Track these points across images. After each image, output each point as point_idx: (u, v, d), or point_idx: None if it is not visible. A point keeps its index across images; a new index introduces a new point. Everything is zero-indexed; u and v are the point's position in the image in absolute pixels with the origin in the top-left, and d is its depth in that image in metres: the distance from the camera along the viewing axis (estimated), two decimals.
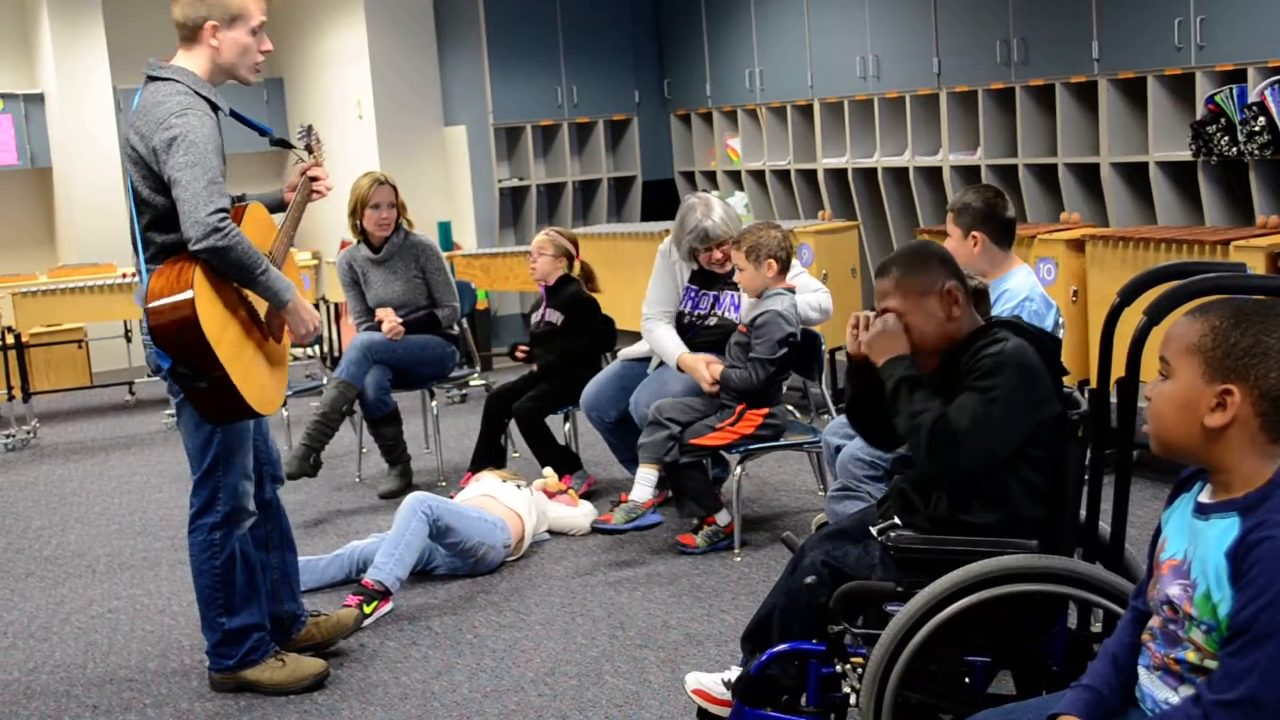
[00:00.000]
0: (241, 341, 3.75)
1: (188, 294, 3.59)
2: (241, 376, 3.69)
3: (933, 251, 3.18)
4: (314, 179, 4.09)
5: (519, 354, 6.16)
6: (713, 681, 3.45)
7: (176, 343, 3.63)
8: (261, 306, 3.87)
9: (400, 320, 6.12)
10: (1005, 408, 2.89)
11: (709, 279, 5.40)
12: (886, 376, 3.04)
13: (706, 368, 5.12)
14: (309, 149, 4.27)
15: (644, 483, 5.06)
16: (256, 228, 3.85)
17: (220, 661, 4.02)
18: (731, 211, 5.36)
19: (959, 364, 3.02)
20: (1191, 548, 2.12)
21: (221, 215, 3.59)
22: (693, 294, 5.42)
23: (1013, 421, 2.90)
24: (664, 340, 5.35)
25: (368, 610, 4.54)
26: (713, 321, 5.37)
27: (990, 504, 2.97)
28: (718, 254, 5.27)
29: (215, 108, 3.79)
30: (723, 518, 5.10)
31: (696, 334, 5.38)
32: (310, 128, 4.41)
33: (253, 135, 4.22)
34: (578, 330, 6.00)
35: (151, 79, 3.78)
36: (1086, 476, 2.99)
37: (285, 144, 4.31)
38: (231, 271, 3.66)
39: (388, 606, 4.66)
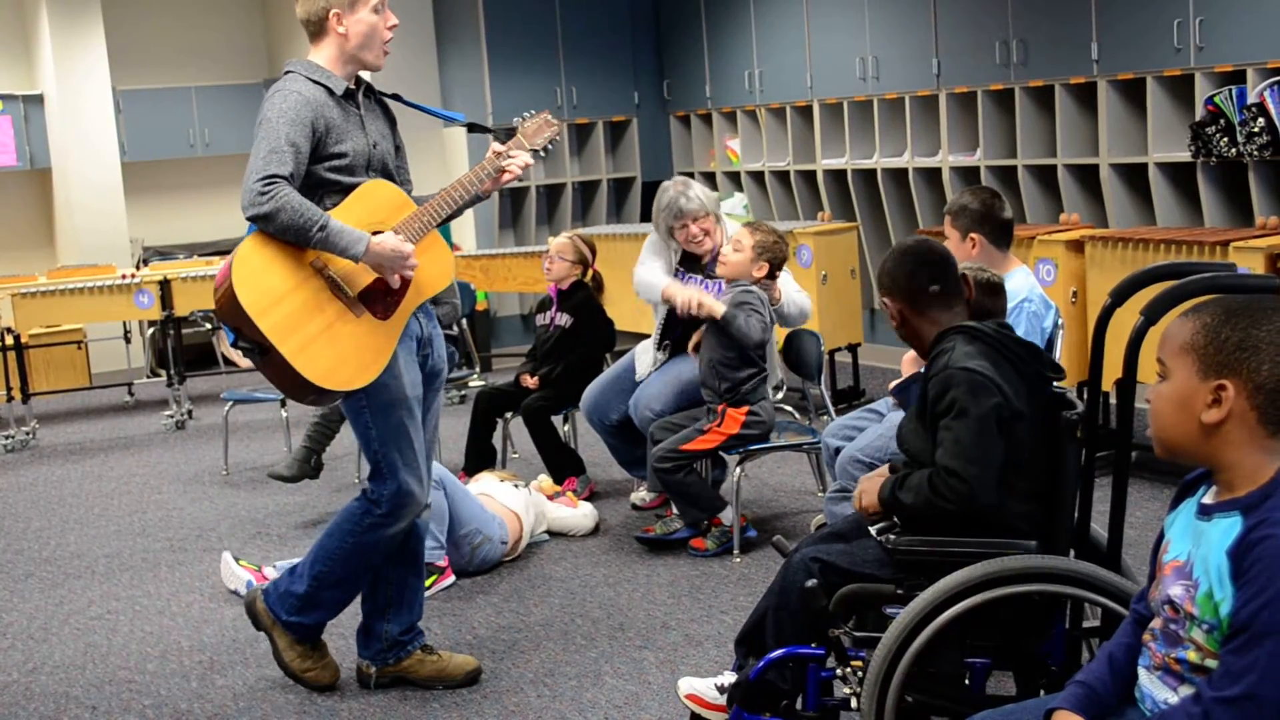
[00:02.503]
0: (303, 314, 3.62)
1: (228, 266, 3.59)
2: (295, 350, 3.58)
3: (890, 258, 3.33)
4: (502, 158, 3.91)
5: (532, 385, 6.07)
6: (706, 686, 3.45)
7: (226, 314, 3.62)
8: (355, 280, 3.70)
9: None
10: (970, 419, 2.96)
11: (697, 264, 5.41)
12: (885, 504, 3.14)
13: (685, 293, 5.08)
14: (520, 128, 4.04)
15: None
16: (369, 205, 3.74)
17: (273, 601, 3.95)
18: (709, 193, 5.36)
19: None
20: (1194, 548, 2.12)
21: (267, 181, 3.53)
22: (682, 276, 5.44)
23: (983, 429, 2.96)
24: (650, 275, 5.36)
25: (426, 584, 4.60)
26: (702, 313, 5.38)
27: None
28: (694, 229, 5.28)
29: (332, 92, 3.72)
30: (727, 516, 5.10)
31: (687, 325, 5.37)
32: (543, 113, 4.10)
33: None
34: (585, 336, 6.00)
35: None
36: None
37: (482, 129, 4.23)
38: (287, 234, 3.57)
39: (449, 580, 4.88)
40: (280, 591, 3.96)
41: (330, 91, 3.73)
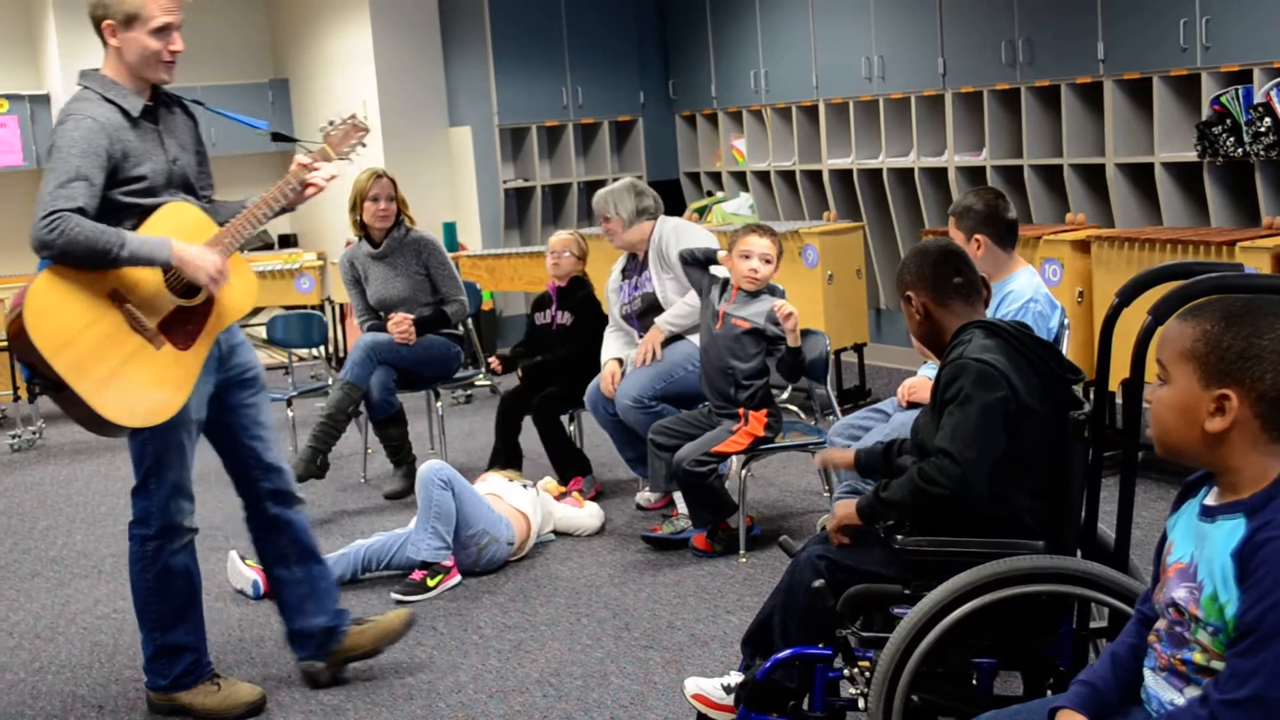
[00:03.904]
0: (101, 350, 3.52)
1: (19, 307, 3.48)
2: (93, 389, 3.49)
3: (912, 255, 3.35)
4: (308, 170, 3.79)
5: (495, 367, 6.22)
6: (712, 686, 3.45)
7: (19, 352, 3.51)
8: (155, 310, 3.61)
9: (411, 321, 6.10)
10: (974, 406, 2.97)
11: (631, 270, 5.77)
12: (867, 519, 3.13)
13: (612, 379, 5.56)
14: (326, 137, 3.96)
15: (682, 503, 5.24)
16: (169, 229, 3.61)
17: (155, 680, 3.92)
18: (624, 194, 5.71)
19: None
20: (1198, 550, 2.12)
21: (51, 218, 3.41)
22: (624, 288, 5.78)
23: (985, 418, 2.96)
24: (606, 344, 5.82)
25: (431, 584, 4.79)
26: (639, 304, 5.67)
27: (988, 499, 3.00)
28: (603, 229, 5.77)
29: (128, 112, 3.60)
30: (734, 519, 5.10)
31: (638, 323, 5.67)
32: (349, 118, 4.02)
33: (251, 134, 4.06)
34: (588, 332, 5.99)
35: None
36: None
37: (285, 138, 4.18)
38: (86, 263, 3.47)
39: (455, 579, 4.89)
40: (146, 666, 3.93)
41: (126, 112, 3.61)
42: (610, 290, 5.83)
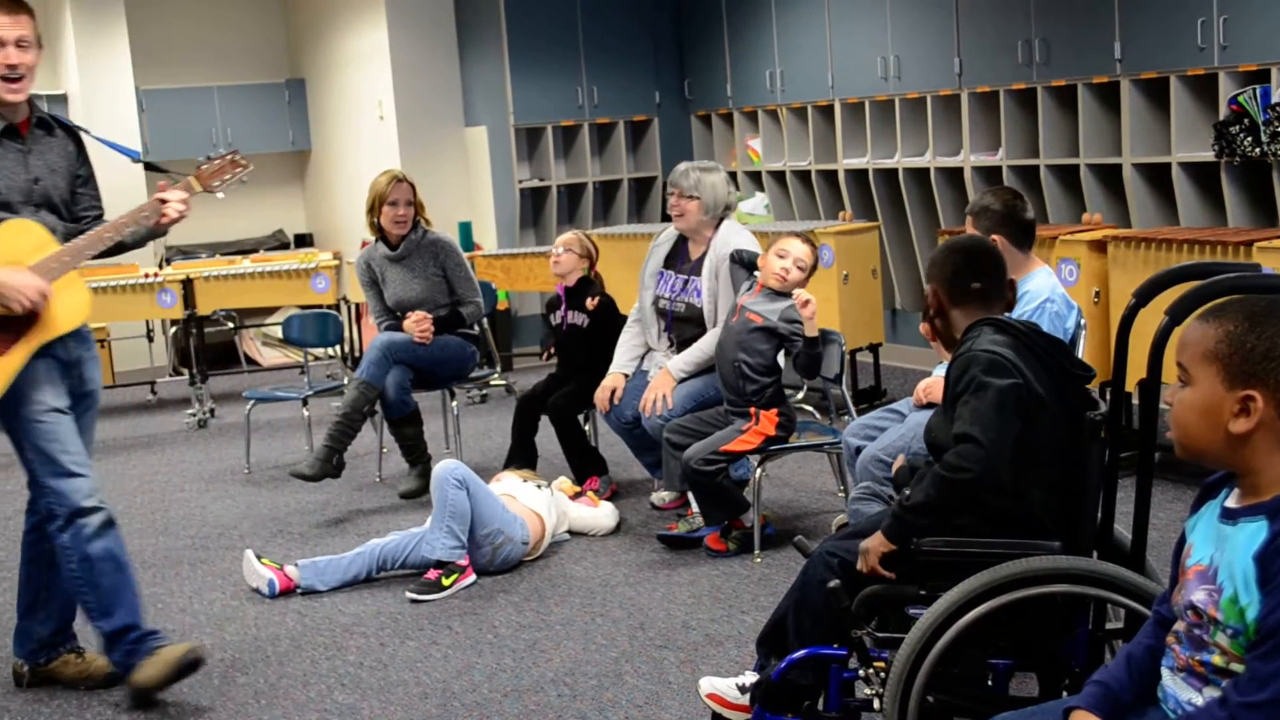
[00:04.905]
0: None
1: None
2: None
3: (942, 248, 3.39)
4: (163, 201, 3.98)
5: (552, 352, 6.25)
6: (727, 686, 3.45)
7: None
8: None
9: (431, 319, 6.11)
10: (989, 392, 2.98)
11: (678, 260, 5.56)
12: (899, 538, 3.05)
13: (609, 392, 5.52)
14: (198, 169, 4.13)
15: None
16: (13, 241, 3.80)
17: (130, 672, 3.97)
18: (714, 181, 5.42)
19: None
20: (1218, 553, 2.11)
21: None
22: (667, 277, 5.58)
23: (1001, 404, 2.97)
24: (618, 348, 5.69)
25: (446, 583, 4.81)
26: (681, 308, 5.50)
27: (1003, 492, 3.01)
28: (673, 199, 5.47)
29: None
30: (748, 517, 5.10)
31: (672, 323, 5.53)
32: (229, 154, 4.21)
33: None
34: (605, 331, 5.99)
35: None
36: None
37: (155, 168, 4.33)
38: None
39: (469, 579, 4.90)
40: (116, 659, 4.00)
41: None
42: (647, 273, 5.64)
